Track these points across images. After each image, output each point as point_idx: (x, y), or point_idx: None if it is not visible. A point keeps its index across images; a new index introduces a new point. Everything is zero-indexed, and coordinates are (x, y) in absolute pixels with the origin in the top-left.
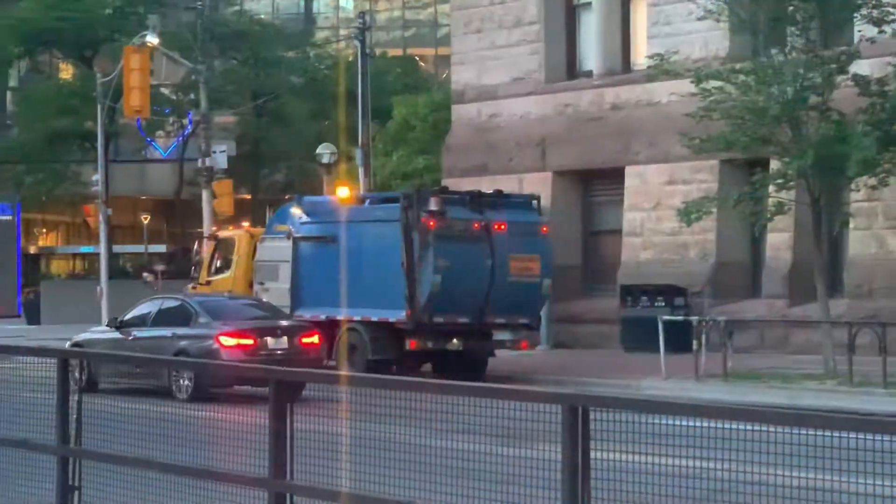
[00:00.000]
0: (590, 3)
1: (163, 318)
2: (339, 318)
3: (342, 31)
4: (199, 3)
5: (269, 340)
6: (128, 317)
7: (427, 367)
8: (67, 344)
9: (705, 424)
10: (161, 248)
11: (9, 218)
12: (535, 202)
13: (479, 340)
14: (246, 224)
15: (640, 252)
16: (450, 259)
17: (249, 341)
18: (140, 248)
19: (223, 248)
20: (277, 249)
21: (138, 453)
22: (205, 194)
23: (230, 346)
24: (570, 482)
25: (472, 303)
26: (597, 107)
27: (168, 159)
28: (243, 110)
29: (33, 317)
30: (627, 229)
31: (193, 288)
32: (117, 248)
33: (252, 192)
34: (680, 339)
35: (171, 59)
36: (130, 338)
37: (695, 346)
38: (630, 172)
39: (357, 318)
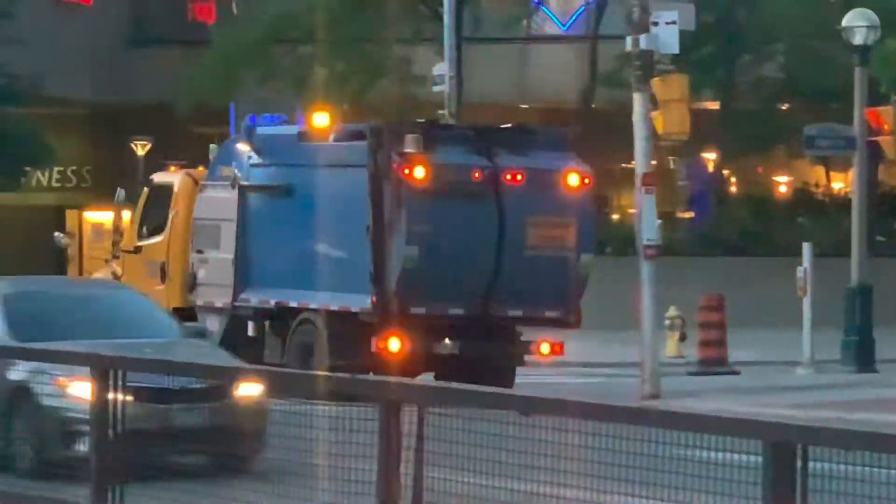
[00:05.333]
0: None
1: None
2: (291, 304)
3: None
4: None
5: None
6: None
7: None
8: None
9: None
10: None
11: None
12: (567, 139)
13: (489, 341)
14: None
15: None
16: (434, 223)
17: None
18: None
19: (158, 199)
20: (219, 203)
21: None
22: (637, 100)
23: None
24: None
25: (470, 287)
26: None
27: (569, 37)
28: None
29: None
30: None
31: (115, 257)
32: None
33: (723, 99)
34: None
35: None
36: None
37: None
38: None
39: (313, 305)
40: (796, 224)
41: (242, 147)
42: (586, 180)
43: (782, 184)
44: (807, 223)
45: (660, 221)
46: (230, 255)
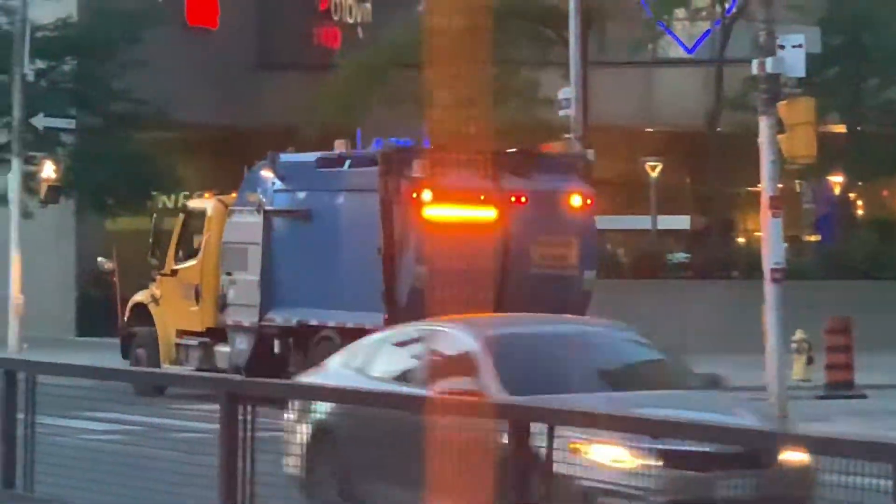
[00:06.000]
0: None
1: None
2: (312, 323)
3: None
4: None
5: None
6: None
7: None
8: None
9: None
10: (682, 222)
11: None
12: (581, 163)
13: None
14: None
15: None
16: (441, 243)
17: None
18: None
19: (192, 224)
20: (246, 227)
21: None
22: (764, 123)
23: None
24: None
25: (477, 303)
26: None
27: (695, 60)
28: None
29: None
30: None
31: (153, 280)
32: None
33: (849, 121)
34: None
35: None
36: None
37: None
38: None
39: (331, 323)
40: None
41: (267, 174)
42: (588, 201)
43: None
44: None
45: (786, 245)
46: (256, 277)
